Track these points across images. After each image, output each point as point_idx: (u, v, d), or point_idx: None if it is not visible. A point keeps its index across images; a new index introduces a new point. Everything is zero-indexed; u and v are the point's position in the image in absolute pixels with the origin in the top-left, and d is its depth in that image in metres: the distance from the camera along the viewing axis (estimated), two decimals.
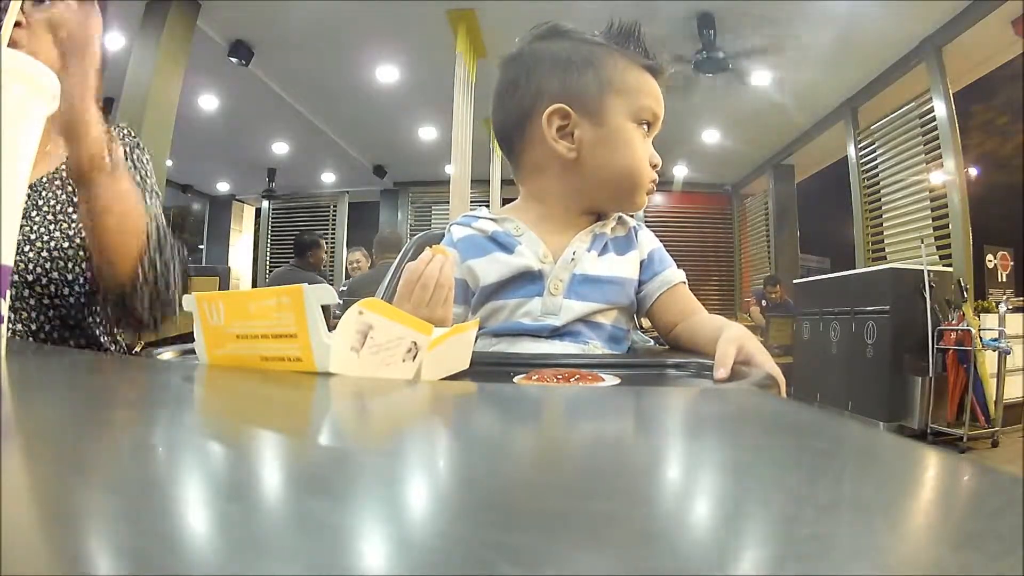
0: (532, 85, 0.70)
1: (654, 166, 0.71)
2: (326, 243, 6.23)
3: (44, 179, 0.71)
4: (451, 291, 0.57)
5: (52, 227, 0.68)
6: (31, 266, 0.66)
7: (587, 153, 0.68)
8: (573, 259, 0.69)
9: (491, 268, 0.69)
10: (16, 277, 0.65)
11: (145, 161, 0.77)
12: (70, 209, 0.70)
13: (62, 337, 0.69)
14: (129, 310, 0.65)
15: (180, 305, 0.69)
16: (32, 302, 0.66)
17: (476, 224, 0.73)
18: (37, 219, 0.68)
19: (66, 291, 0.68)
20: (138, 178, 0.74)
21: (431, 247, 0.59)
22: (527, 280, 0.68)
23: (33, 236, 0.67)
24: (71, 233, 0.69)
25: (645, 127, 0.70)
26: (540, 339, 0.66)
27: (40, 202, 0.69)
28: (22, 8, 0.64)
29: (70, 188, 0.71)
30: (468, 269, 0.70)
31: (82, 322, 0.70)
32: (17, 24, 0.64)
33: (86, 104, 0.55)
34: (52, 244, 0.67)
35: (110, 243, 0.62)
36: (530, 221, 0.72)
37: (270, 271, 7.55)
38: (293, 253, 3.75)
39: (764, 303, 5.00)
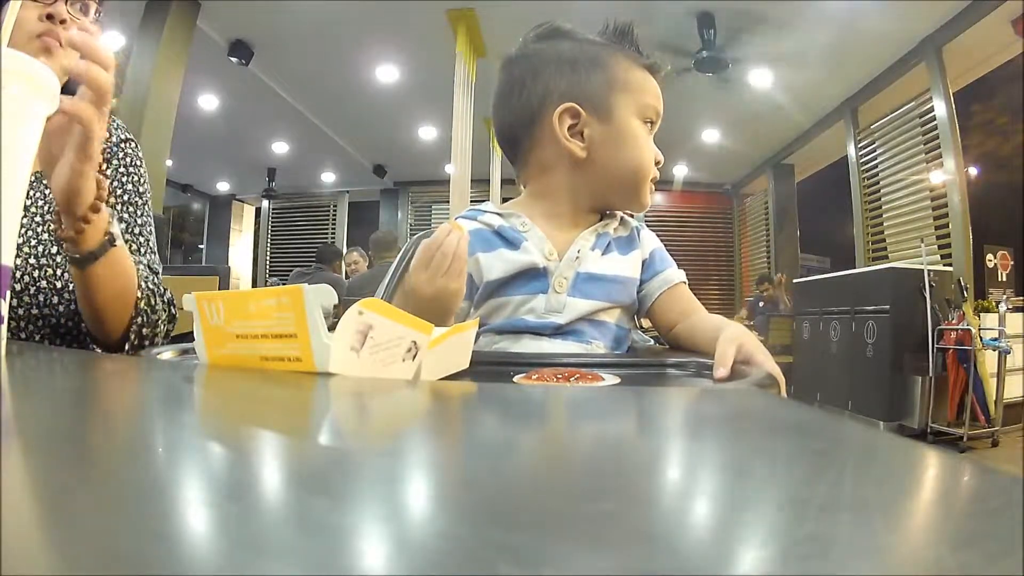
0: (539, 85, 0.70)
1: (657, 163, 0.72)
2: (327, 243, 6.37)
3: (32, 178, 0.68)
4: (466, 265, 0.58)
5: (40, 229, 0.67)
6: (19, 274, 0.64)
7: (597, 151, 0.69)
8: (578, 257, 0.69)
9: (496, 264, 0.69)
10: None
11: (136, 159, 0.76)
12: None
13: (54, 345, 0.68)
14: (115, 349, 0.68)
15: (166, 335, 0.71)
16: (21, 312, 0.65)
17: (482, 218, 0.73)
18: (24, 221, 0.66)
19: (55, 299, 0.66)
20: (128, 176, 0.74)
21: (450, 221, 0.59)
22: (532, 277, 0.68)
23: (20, 241, 0.65)
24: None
25: (649, 125, 0.71)
26: (543, 337, 0.66)
27: (28, 203, 0.67)
28: (68, 8, 0.64)
29: None
30: (474, 262, 0.70)
31: (73, 329, 0.69)
32: (62, 21, 0.63)
33: (86, 166, 0.54)
34: (40, 249, 0.66)
35: (100, 316, 0.64)
36: (535, 218, 0.72)
37: (270, 271, 7.55)
38: (317, 260, 3.98)
39: (760, 303, 5.03)
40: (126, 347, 0.67)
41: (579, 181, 0.71)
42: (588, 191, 0.71)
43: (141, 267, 0.70)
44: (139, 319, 0.67)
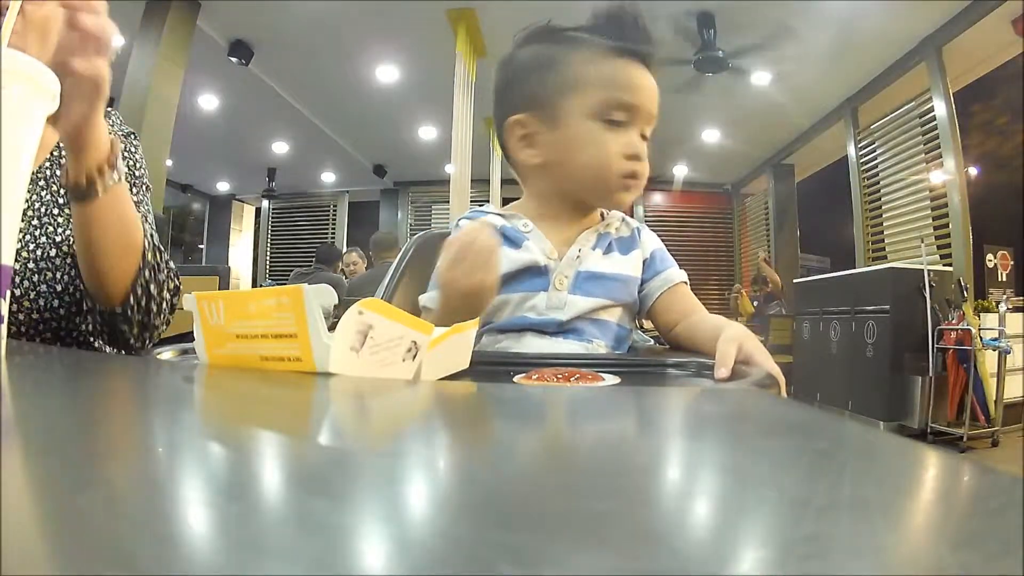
0: (508, 93, 0.72)
1: (632, 156, 0.67)
2: (327, 243, 6.40)
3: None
4: (499, 259, 0.58)
5: (38, 232, 0.66)
6: (17, 279, 0.63)
7: (550, 157, 0.69)
8: (578, 256, 0.69)
9: None
10: None
11: (133, 150, 0.75)
12: (55, 211, 0.67)
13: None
14: (117, 330, 0.64)
15: (167, 323, 0.69)
16: (21, 317, 0.64)
17: (484, 219, 0.73)
18: (22, 224, 0.65)
19: (55, 303, 0.65)
20: (127, 169, 0.74)
21: (480, 220, 0.59)
22: (533, 275, 0.69)
23: (19, 245, 0.64)
24: (58, 239, 0.66)
25: (617, 121, 0.66)
26: (545, 335, 0.66)
27: (24, 206, 0.67)
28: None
29: (55, 187, 0.69)
30: None
31: (73, 331, 0.69)
32: None
33: (96, 109, 0.51)
34: (39, 253, 0.65)
35: (103, 266, 0.60)
36: (534, 219, 0.72)
37: (270, 271, 7.55)
38: (317, 260, 4.02)
39: (756, 303, 5.07)
40: (129, 308, 0.63)
41: (551, 185, 0.72)
42: (563, 193, 0.72)
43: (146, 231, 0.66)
44: (146, 273, 0.63)
